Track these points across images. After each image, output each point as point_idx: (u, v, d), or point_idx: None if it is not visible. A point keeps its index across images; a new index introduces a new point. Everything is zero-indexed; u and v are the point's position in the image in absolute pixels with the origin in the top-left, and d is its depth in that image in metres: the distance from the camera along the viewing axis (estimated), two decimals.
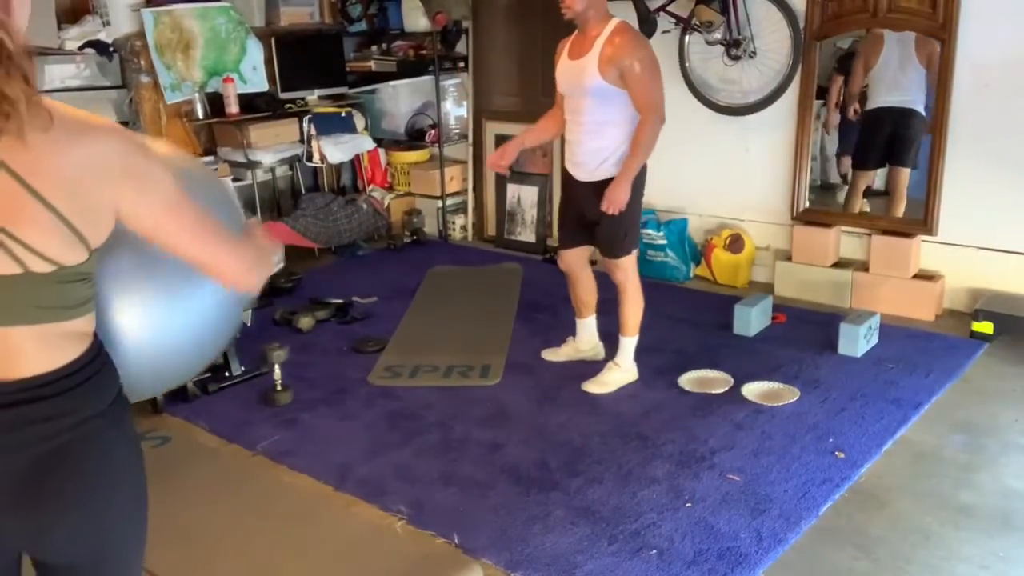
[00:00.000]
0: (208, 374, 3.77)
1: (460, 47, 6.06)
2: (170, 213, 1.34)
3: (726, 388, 3.68)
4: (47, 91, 4.31)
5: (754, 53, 4.80)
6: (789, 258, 4.87)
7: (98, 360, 1.37)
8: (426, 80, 6.07)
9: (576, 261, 3.77)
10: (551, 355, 4.02)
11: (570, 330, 3.99)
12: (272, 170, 5.69)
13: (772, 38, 4.76)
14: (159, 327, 1.49)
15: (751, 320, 4.25)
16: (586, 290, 3.83)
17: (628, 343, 3.73)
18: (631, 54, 3.35)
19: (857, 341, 3.96)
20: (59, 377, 1.31)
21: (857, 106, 4.88)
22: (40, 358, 1.30)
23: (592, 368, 3.82)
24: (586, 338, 3.95)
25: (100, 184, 1.26)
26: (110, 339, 1.42)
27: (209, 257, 1.40)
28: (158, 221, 1.34)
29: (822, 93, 4.84)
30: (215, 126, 5.41)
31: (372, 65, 6.08)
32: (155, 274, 1.45)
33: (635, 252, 3.65)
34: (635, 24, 4.66)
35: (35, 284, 1.25)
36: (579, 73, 3.45)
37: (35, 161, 1.21)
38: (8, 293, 1.24)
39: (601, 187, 3.49)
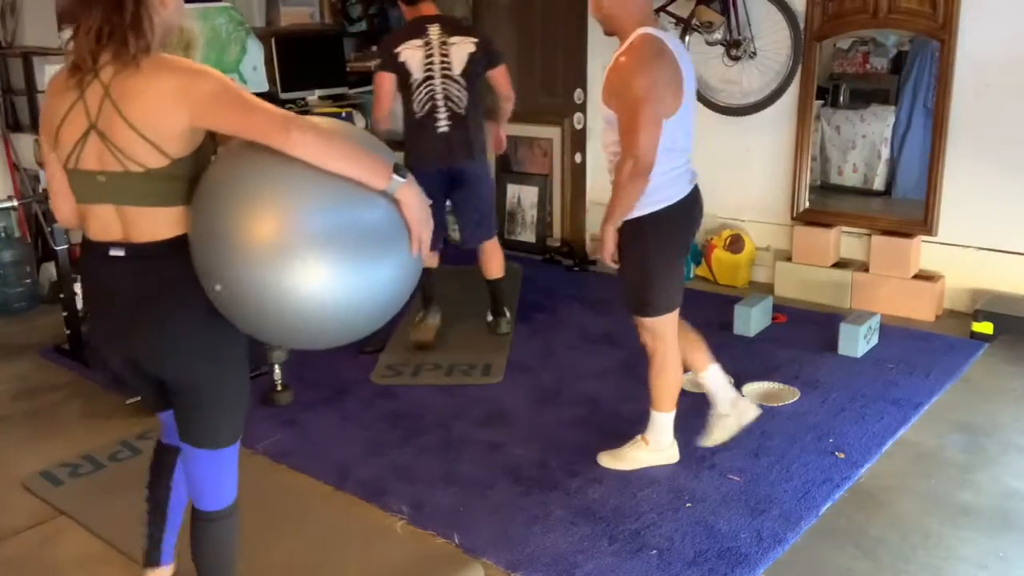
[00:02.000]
0: None
1: None
2: (223, 112, 1.80)
3: None
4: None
5: (754, 53, 4.80)
6: (789, 258, 4.87)
7: (180, 248, 1.84)
8: None
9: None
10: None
11: (571, 328, 3.91)
12: None
13: (772, 38, 4.76)
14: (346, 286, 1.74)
15: (751, 320, 4.25)
16: (690, 339, 3.16)
17: (657, 418, 3.12)
18: (622, 80, 2.72)
19: (857, 341, 3.96)
20: (156, 248, 1.85)
21: None
22: (146, 231, 1.84)
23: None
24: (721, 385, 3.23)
25: (164, 109, 1.76)
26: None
27: (251, 124, 1.79)
28: (218, 122, 1.81)
29: (822, 93, 4.84)
30: None
31: (372, 65, 6.07)
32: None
33: (665, 317, 2.95)
34: None
35: (134, 179, 1.80)
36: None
37: (123, 89, 1.76)
38: (120, 183, 1.81)
39: (624, 228, 2.88)
